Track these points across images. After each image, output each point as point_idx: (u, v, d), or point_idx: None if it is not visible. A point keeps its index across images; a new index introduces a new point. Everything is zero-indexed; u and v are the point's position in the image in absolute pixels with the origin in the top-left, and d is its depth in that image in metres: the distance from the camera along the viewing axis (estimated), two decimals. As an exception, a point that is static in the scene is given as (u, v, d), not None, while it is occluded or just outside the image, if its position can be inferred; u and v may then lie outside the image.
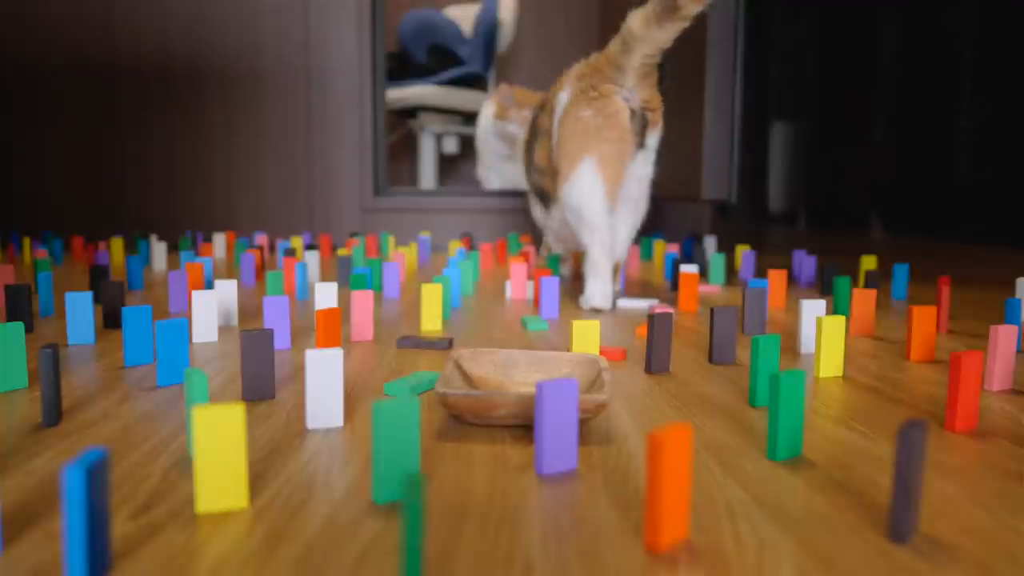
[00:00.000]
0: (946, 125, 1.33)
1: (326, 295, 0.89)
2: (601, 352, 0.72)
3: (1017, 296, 1.01)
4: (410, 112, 2.91)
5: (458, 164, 3.28)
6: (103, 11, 2.06)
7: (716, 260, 1.32)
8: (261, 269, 1.37)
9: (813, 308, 0.77)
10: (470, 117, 2.97)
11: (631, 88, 1.01)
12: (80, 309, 0.77)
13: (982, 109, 1.25)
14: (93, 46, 2.07)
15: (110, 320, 0.86)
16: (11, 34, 2.06)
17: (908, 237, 1.44)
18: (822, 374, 0.66)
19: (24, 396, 0.57)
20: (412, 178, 3.27)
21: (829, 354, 0.66)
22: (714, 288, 1.23)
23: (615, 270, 1.12)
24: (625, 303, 1.05)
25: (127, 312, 0.67)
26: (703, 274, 1.47)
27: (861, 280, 1.25)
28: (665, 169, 1.81)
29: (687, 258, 1.66)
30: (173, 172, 2.13)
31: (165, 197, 2.13)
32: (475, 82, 2.88)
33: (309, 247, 1.64)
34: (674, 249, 1.67)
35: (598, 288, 1.01)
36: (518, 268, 1.12)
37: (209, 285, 1.18)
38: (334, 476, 0.42)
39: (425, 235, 1.77)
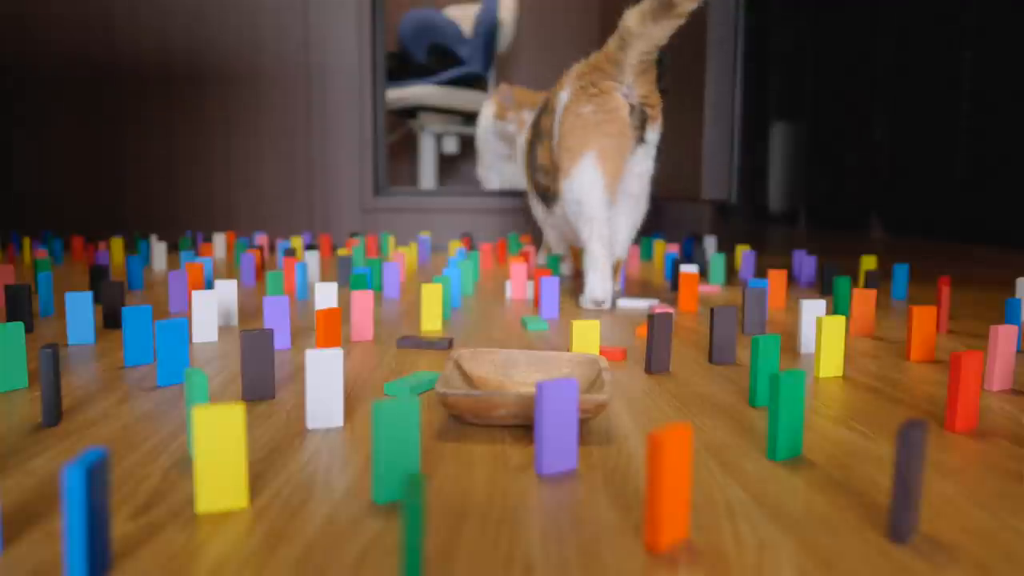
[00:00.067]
0: (946, 125, 1.33)
1: (326, 295, 0.89)
2: (601, 352, 0.72)
3: (1017, 296, 1.01)
4: (410, 112, 2.91)
5: (458, 164, 3.28)
6: (103, 11, 2.06)
7: (716, 260, 1.32)
8: (261, 269, 1.37)
9: (813, 308, 0.77)
10: (470, 117, 2.97)
11: (630, 84, 1.03)
12: (80, 309, 0.77)
13: (982, 109, 1.25)
14: (93, 46, 2.07)
15: (110, 320, 0.86)
16: (11, 34, 2.06)
17: (908, 237, 1.44)
18: (822, 374, 0.66)
19: (24, 396, 0.57)
20: (412, 178, 3.27)
21: (829, 354, 0.66)
22: (714, 288, 1.23)
23: (616, 268, 1.12)
24: (625, 303, 1.05)
25: (127, 312, 0.67)
26: (703, 274, 1.47)
27: (861, 280, 1.25)
28: (665, 169, 1.81)
29: (687, 258, 1.66)
30: (173, 172, 2.13)
31: (165, 197, 2.13)
32: (475, 82, 2.88)
33: (309, 247, 1.64)
34: (674, 249, 1.67)
35: (597, 280, 1.02)
36: (518, 268, 1.12)
37: (209, 285, 1.18)
38: (334, 476, 0.42)
39: (425, 235, 1.77)
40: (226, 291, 0.89)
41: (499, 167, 2.15)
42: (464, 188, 2.54)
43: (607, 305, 1.03)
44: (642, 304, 1.05)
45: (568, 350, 0.75)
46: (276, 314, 0.76)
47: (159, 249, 1.52)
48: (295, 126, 2.13)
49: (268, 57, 2.10)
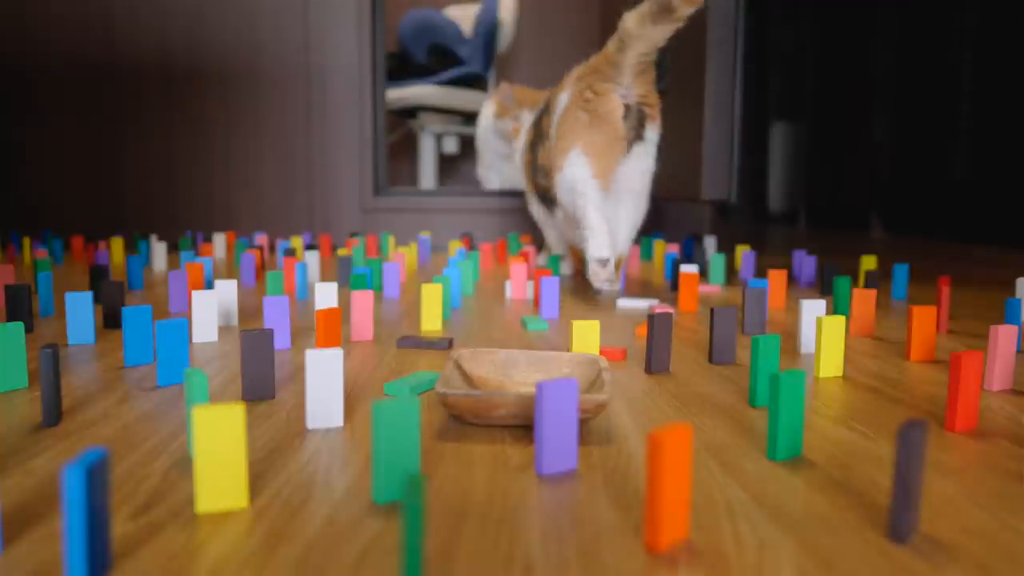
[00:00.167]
0: (946, 125, 1.33)
1: (326, 295, 0.89)
2: (601, 352, 0.72)
3: (1017, 296, 1.01)
4: (410, 112, 2.90)
5: (458, 164, 3.28)
6: (103, 11, 2.06)
7: (716, 260, 1.32)
8: (261, 269, 1.37)
9: (813, 308, 0.77)
10: (470, 117, 2.97)
11: (628, 85, 1.05)
12: (80, 309, 0.77)
13: (981, 109, 1.25)
14: (93, 46, 2.07)
15: (110, 320, 0.86)
16: (11, 34, 2.06)
17: (908, 237, 1.44)
18: (822, 374, 0.66)
19: (24, 396, 0.57)
20: (412, 178, 3.27)
21: (829, 354, 0.66)
22: (714, 288, 1.23)
23: (617, 265, 1.13)
24: (625, 303, 1.05)
25: (127, 312, 0.67)
26: (703, 274, 1.47)
27: (861, 280, 1.25)
28: (665, 169, 1.81)
29: (687, 258, 1.66)
30: (173, 172, 2.13)
31: (165, 197, 2.13)
32: (475, 82, 2.88)
33: (309, 247, 1.64)
34: (674, 249, 1.67)
35: (597, 242, 1.02)
36: (518, 268, 1.12)
37: (209, 285, 1.18)
38: (334, 476, 0.42)
39: (425, 235, 1.77)
40: (226, 291, 0.89)
41: (499, 167, 2.14)
42: (464, 188, 2.54)
43: (611, 266, 1.03)
44: (642, 304, 1.05)
45: (568, 350, 0.75)
46: (276, 314, 0.76)
47: (159, 249, 1.52)
48: (295, 126, 2.13)
49: (268, 58, 2.10)
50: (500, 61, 3.16)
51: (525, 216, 2.22)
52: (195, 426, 0.36)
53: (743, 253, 1.40)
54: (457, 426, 0.51)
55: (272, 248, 2.05)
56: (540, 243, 2.11)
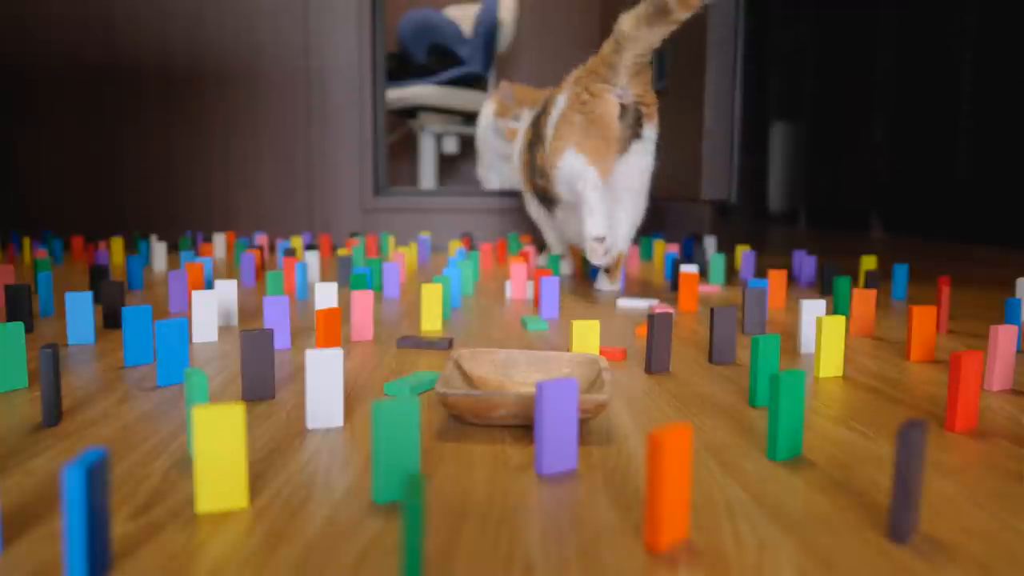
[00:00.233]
0: (946, 125, 1.33)
1: (326, 295, 0.89)
2: (601, 352, 0.72)
3: (1017, 296, 1.01)
4: (410, 112, 2.90)
5: (458, 164, 3.28)
6: (103, 11, 2.06)
7: (716, 260, 1.32)
8: (261, 269, 1.37)
9: (813, 308, 0.77)
10: (470, 117, 2.97)
11: (624, 86, 1.07)
12: (80, 309, 0.77)
13: (982, 109, 1.25)
14: (93, 46, 2.07)
15: (110, 320, 0.86)
16: (11, 34, 2.06)
17: (908, 237, 1.44)
18: (822, 374, 0.66)
19: (24, 396, 0.57)
20: (412, 178, 3.27)
21: (829, 354, 0.66)
22: (714, 288, 1.23)
23: (617, 263, 1.14)
24: (625, 303, 1.05)
25: (127, 312, 0.67)
26: (703, 274, 1.47)
27: (861, 280, 1.25)
28: (665, 169, 1.81)
29: (687, 258, 1.66)
30: (173, 172, 2.13)
31: (165, 197, 2.13)
32: (475, 82, 2.88)
33: (309, 247, 1.64)
34: (674, 249, 1.67)
35: (594, 221, 1.04)
36: (518, 268, 1.12)
37: (209, 285, 1.18)
38: (334, 476, 0.42)
39: (425, 235, 1.77)
40: (226, 291, 0.89)
41: (499, 167, 2.14)
42: (464, 188, 2.54)
43: (608, 245, 1.05)
44: (642, 304, 1.05)
45: (568, 350, 0.75)
46: (276, 314, 0.76)
47: (159, 249, 1.52)
48: (295, 126, 2.13)
49: (268, 58, 2.10)
50: (500, 61, 3.16)
51: (525, 216, 2.22)
52: (195, 426, 0.36)
53: (743, 253, 1.40)
54: (457, 426, 0.51)
55: (272, 248, 2.05)
56: (540, 243, 2.11)
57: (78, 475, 0.28)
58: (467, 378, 0.56)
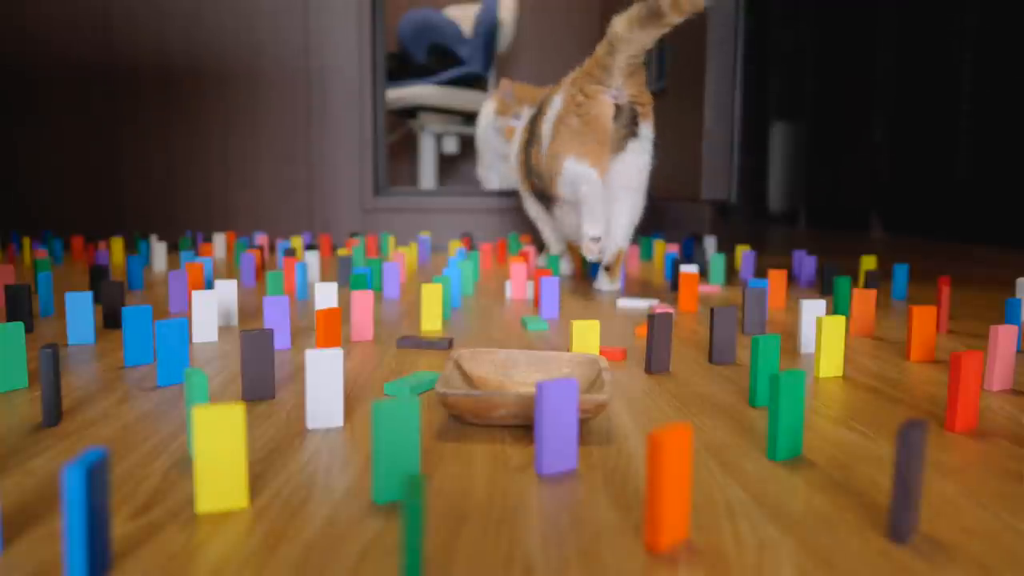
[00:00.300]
0: (946, 125, 1.33)
1: (326, 295, 0.89)
2: (601, 352, 0.72)
3: (1017, 296, 1.01)
4: (410, 112, 2.90)
5: (458, 164, 3.28)
6: (101, 12, 2.06)
7: (716, 260, 1.32)
8: (261, 269, 1.37)
9: (813, 308, 0.77)
10: (470, 117, 2.97)
11: (618, 87, 1.09)
12: (80, 309, 0.77)
13: (982, 109, 1.25)
14: (92, 46, 2.07)
15: (110, 320, 0.86)
16: (10, 34, 2.06)
17: (908, 237, 1.44)
18: (822, 374, 0.66)
19: (24, 396, 0.57)
20: (412, 178, 3.27)
21: (829, 354, 0.66)
22: (714, 288, 1.23)
23: (616, 260, 1.15)
24: (625, 303, 1.05)
25: (127, 312, 0.67)
26: (703, 274, 1.47)
27: (861, 280, 1.25)
28: (665, 169, 1.81)
29: (687, 258, 1.66)
30: (173, 172, 2.13)
31: (165, 197, 2.13)
32: (475, 82, 2.88)
33: (309, 247, 1.64)
34: (674, 249, 1.67)
35: (591, 222, 1.06)
36: (518, 268, 1.12)
37: (209, 285, 1.18)
38: (334, 476, 0.41)
39: (425, 235, 1.77)
40: (226, 291, 0.89)
41: (499, 166, 2.15)
42: (464, 188, 2.54)
43: (604, 243, 1.08)
44: (642, 304, 1.05)
45: (568, 350, 0.75)
46: (276, 314, 0.76)
47: (159, 249, 1.52)
48: (295, 126, 2.13)
49: (268, 58, 2.10)
50: (500, 61, 3.15)
51: (525, 216, 2.22)
52: (195, 426, 0.36)
53: (743, 253, 1.40)
54: (457, 426, 0.51)
55: (272, 248, 2.05)
56: (540, 243, 2.11)
57: (78, 475, 0.28)
58: (467, 378, 0.56)
